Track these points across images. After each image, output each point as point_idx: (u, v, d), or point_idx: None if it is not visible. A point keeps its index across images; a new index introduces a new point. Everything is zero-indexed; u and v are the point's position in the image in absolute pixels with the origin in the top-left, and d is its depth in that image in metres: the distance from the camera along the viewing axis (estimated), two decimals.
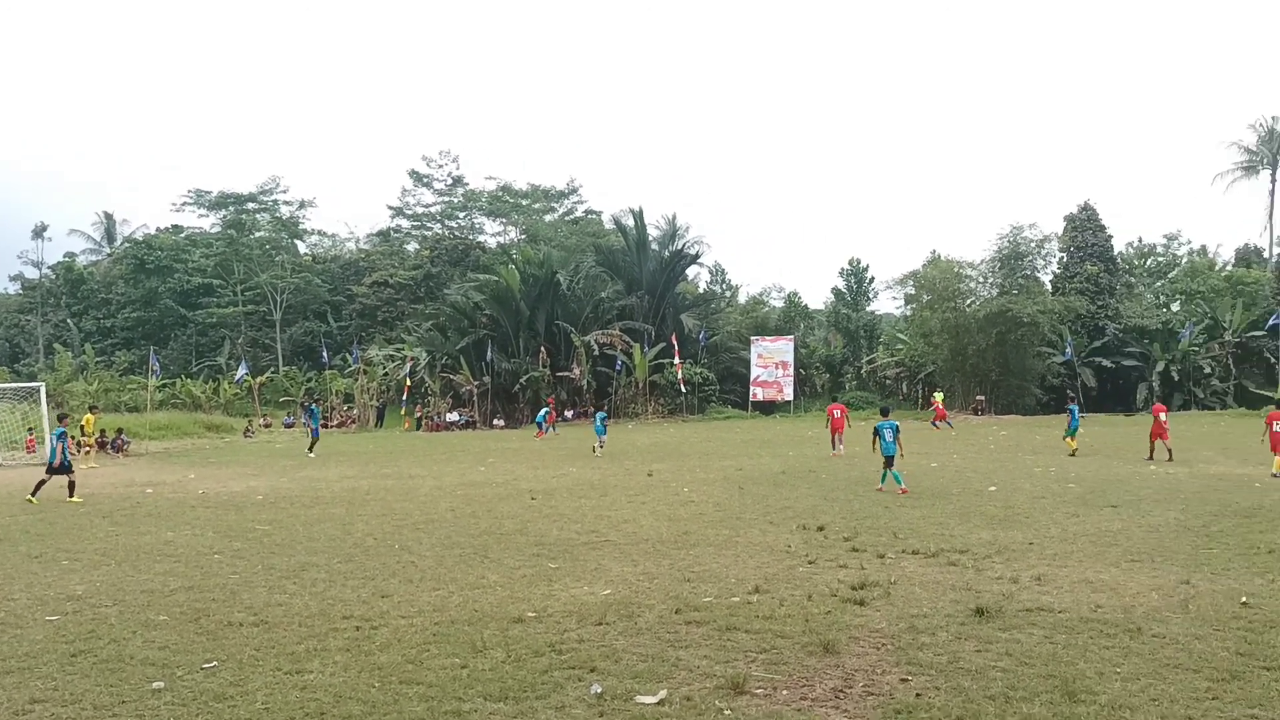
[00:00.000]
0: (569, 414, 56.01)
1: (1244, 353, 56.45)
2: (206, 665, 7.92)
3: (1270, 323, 53.61)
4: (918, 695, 6.94)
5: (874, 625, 8.85)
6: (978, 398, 52.91)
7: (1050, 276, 58.89)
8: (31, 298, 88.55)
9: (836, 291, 73.65)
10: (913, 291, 58.66)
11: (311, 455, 31.68)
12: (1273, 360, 54.68)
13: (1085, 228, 58.94)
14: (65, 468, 20.32)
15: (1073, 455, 27.02)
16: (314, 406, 34.95)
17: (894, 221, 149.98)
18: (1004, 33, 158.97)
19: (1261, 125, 75.07)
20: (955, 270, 55.78)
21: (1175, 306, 66.68)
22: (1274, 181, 74.74)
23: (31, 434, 35.01)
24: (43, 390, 36.24)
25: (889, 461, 19.33)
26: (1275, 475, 20.13)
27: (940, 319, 54.25)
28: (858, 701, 6.88)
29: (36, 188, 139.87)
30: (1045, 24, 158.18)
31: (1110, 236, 60.17)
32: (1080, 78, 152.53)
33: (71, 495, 20.14)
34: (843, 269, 74.17)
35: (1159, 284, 73.45)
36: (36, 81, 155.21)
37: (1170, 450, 24.58)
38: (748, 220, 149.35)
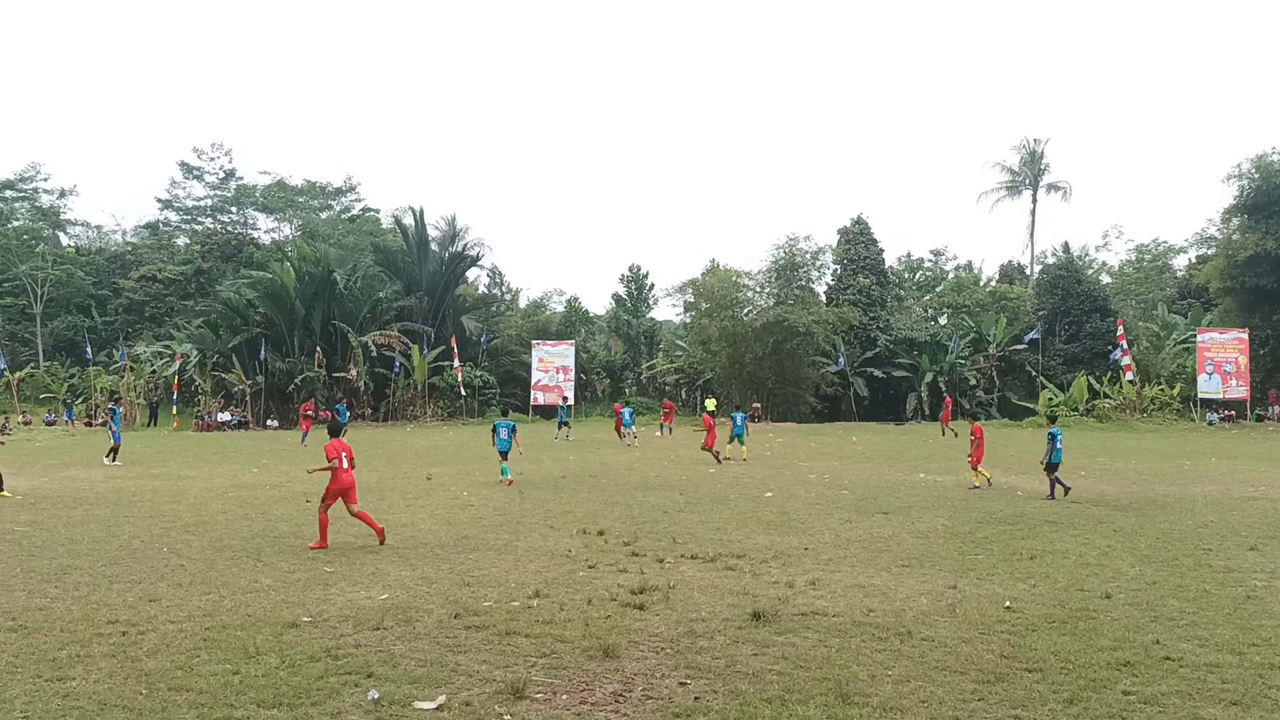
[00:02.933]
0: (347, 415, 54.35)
1: (1007, 365, 60.10)
2: None
3: (1029, 337, 57.55)
4: (696, 699, 7.00)
5: (653, 629, 8.88)
6: (754, 405, 54.40)
7: (825, 288, 61.12)
8: None
9: (617, 297, 74.13)
10: (692, 299, 59.66)
11: (116, 464, 27.23)
12: (1033, 373, 58.44)
13: (858, 241, 61.67)
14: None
15: (724, 459, 27.87)
16: (115, 407, 30.48)
17: (674, 229, 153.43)
18: (780, 46, 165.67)
19: (1024, 147, 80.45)
20: (733, 279, 57.06)
21: (943, 320, 70.67)
22: (1034, 202, 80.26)
23: None
24: None
25: (504, 456, 21.73)
26: (975, 488, 20.63)
27: (718, 327, 55.41)
28: (637, 705, 6.90)
29: None
30: (822, 39, 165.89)
31: (882, 250, 63.22)
32: (852, 94, 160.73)
33: None
34: (623, 275, 74.81)
35: (927, 297, 77.64)
36: None
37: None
38: (528, 224, 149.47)
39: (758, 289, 57.53)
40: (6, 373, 58.19)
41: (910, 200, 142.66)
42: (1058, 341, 58.68)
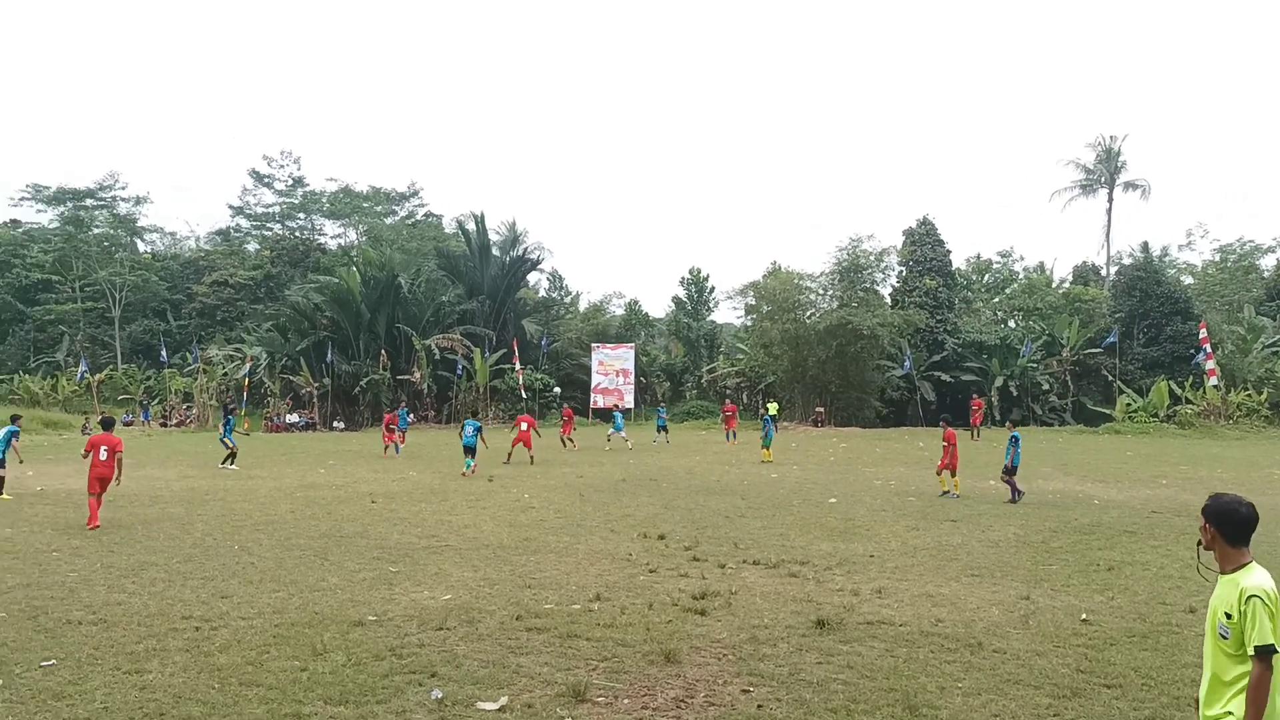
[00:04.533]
0: (410, 418, 54.74)
1: (1082, 370, 58.26)
2: (45, 663, 7.83)
3: (1106, 340, 55.94)
4: (759, 706, 6.91)
5: (715, 635, 8.80)
6: (817, 409, 53.81)
7: (890, 290, 60.15)
8: None
9: (677, 300, 73.76)
10: (753, 302, 59.15)
11: (233, 468, 26.60)
12: (1110, 378, 56.69)
13: (924, 242, 60.49)
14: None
15: (766, 463, 28.17)
16: (230, 418, 29.54)
17: (734, 232, 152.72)
18: (843, 43, 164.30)
19: (1099, 144, 77.83)
20: (795, 281, 56.33)
21: (1012, 323, 69.03)
22: (1110, 201, 77.61)
23: None
24: None
25: (470, 451, 24.57)
26: (946, 494, 20.08)
27: (780, 330, 54.81)
28: (699, 711, 6.84)
29: None
30: (887, 36, 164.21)
31: (949, 251, 61.76)
32: (919, 91, 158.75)
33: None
34: (683, 278, 74.43)
35: (996, 300, 75.82)
36: None
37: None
38: (589, 227, 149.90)
39: (820, 291, 56.80)
40: (87, 374, 60.15)
41: (979, 200, 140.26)
42: (1136, 345, 57.06)
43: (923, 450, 34.44)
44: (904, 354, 55.86)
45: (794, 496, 20.08)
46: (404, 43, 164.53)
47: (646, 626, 9.01)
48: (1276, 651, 4.04)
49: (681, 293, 73.52)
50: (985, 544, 14.08)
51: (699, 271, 73.69)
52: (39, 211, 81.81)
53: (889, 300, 59.17)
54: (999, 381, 56.28)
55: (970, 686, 7.31)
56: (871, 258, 56.17)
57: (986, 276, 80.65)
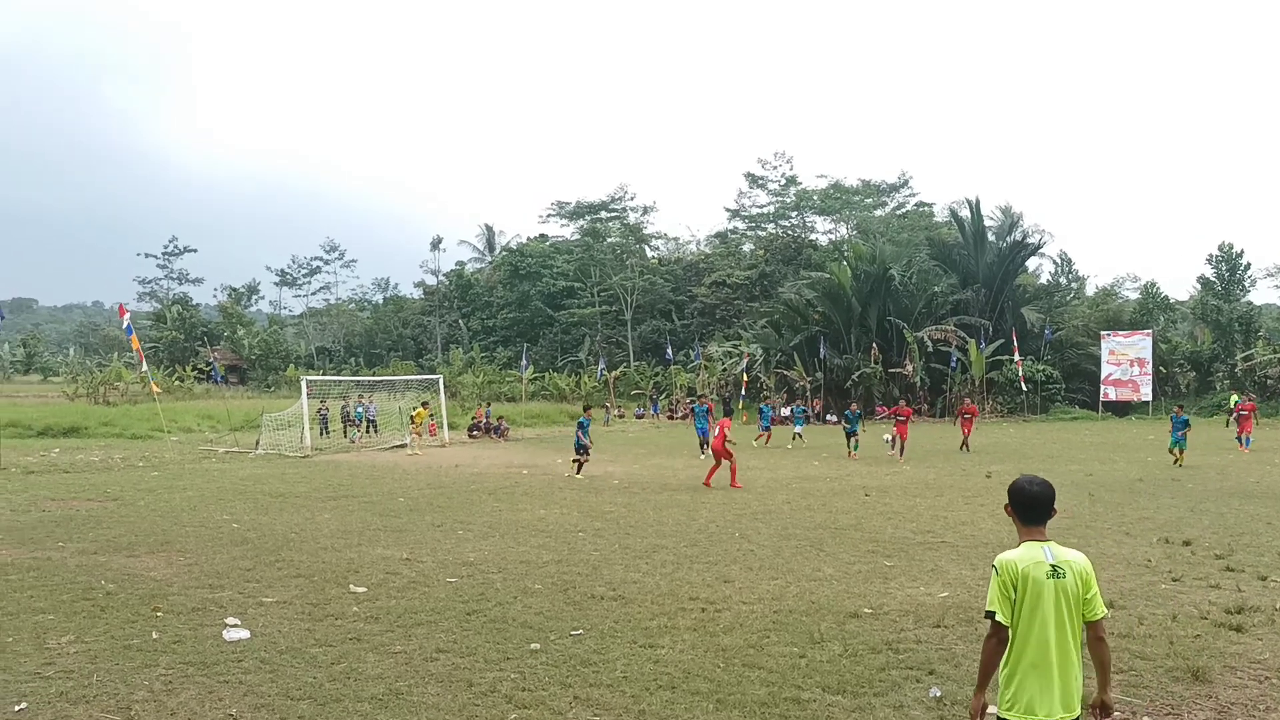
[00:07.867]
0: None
1: None
2: (574, 632, 8.63)
3: None
4: None
5: (1255, 655, 7.86)
6: None
7: None
8: (431, 301, 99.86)
9: (1203, 280, 66.06)
10: None
11: (703, 457, 28.09)
12: None
13: None
14: (582, 449, 23.37)
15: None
16: (698, 406, 31.62)
17: (1273, 201, 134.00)
18: None
19: None
20: None
21: None
22: None
23: (434, 419, 38.36)
24: (441, 381, 40.71)
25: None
26: None
27: None
28: None
29: (432, 206, 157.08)
30: None
31: None
32: None
33: (579, 473, 23.10)
34: (1211, 255, 66.36)
35: None
36: (422, 118, 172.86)
37: None
38: (1094, 206, 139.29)
39: None
40: (605, 372, 66.92)
41: None
42: None
43: None
44: None
45: None
46: (890, 36, 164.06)
47: (1169, 640, 8.24)
48: (1000, 622, 4.08)
49: (1209, 271, 65.97)
50: None
51: (1230, 247, 65.51)
52: (562, 225, 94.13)
53: None
54: None
55: None
56: None
57: None
